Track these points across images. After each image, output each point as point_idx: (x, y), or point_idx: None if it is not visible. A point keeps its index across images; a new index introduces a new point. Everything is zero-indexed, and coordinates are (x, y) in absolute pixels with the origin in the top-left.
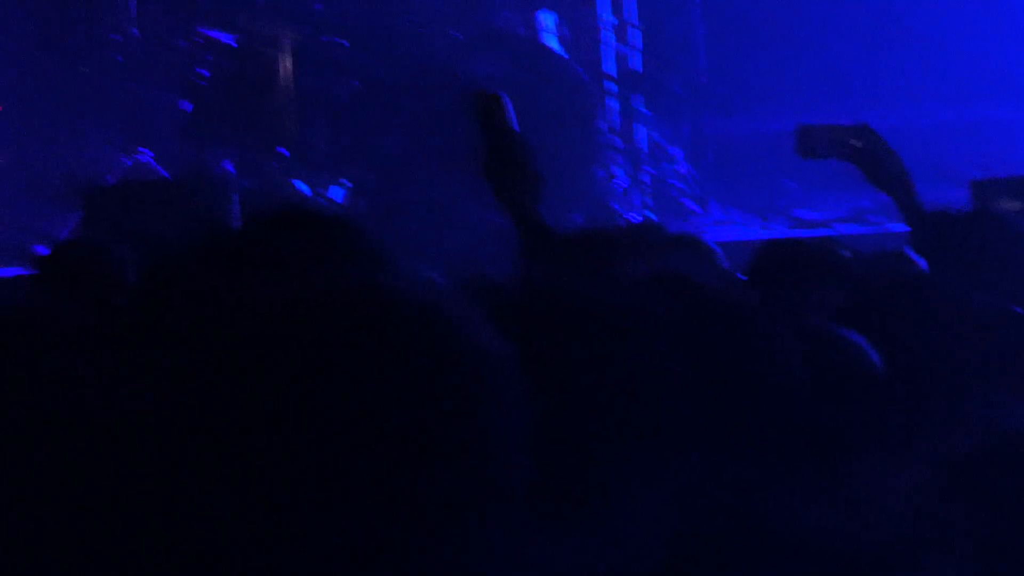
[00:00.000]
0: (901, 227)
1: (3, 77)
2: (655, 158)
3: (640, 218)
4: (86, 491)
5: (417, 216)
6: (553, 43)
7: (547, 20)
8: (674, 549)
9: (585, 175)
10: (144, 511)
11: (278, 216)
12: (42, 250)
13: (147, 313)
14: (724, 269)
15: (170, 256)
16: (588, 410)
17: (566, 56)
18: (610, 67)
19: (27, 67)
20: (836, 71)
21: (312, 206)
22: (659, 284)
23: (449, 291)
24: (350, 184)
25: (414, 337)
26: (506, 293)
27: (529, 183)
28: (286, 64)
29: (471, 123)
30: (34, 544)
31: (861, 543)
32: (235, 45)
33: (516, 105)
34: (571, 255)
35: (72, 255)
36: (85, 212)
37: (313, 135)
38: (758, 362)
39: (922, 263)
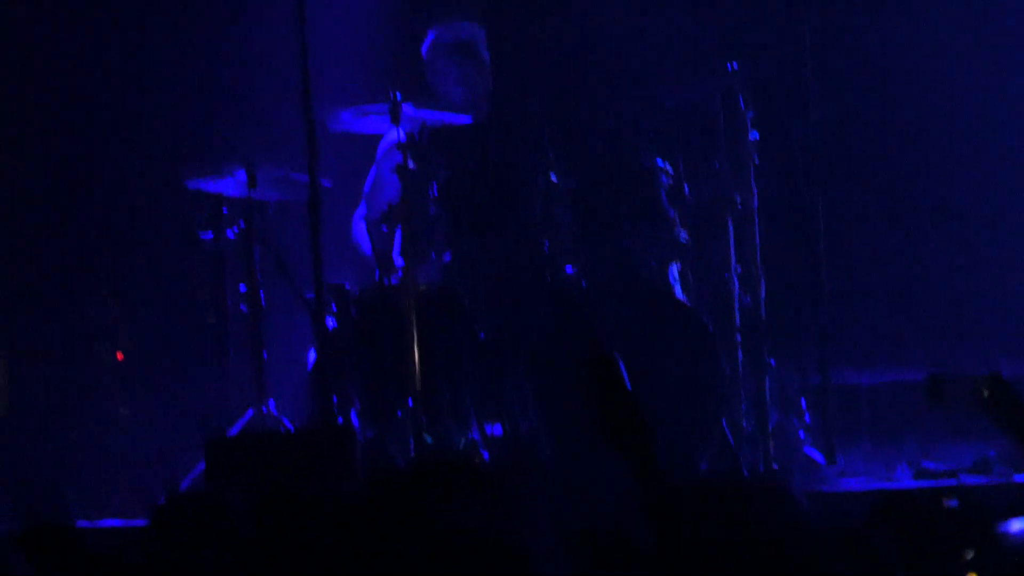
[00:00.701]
0: None
1: (130, 326)
2: (780, 408)
3: (764, 468)
4: None
5: (545, 470)
6: (678, 292)
7: (672, 269)
8: None
9: (710, 425)
10: None
11: (404, 469)
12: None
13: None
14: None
15: (293, 508)
16: None
17: (689, 304)
18: (735, 316)
19: (154, 319)
20: (965, 320)
21: (438, 457)
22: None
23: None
24: (476, 435)
25: None
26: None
27: (643, 439)
28: (412, 313)
29: (584, 382)
30: None
31: None
32: (359, 294)
33: (641, 353)
34: (692, 507)
35: (189, 506)
36: (207, 462)
37: (439, 385)
38: None
39: None
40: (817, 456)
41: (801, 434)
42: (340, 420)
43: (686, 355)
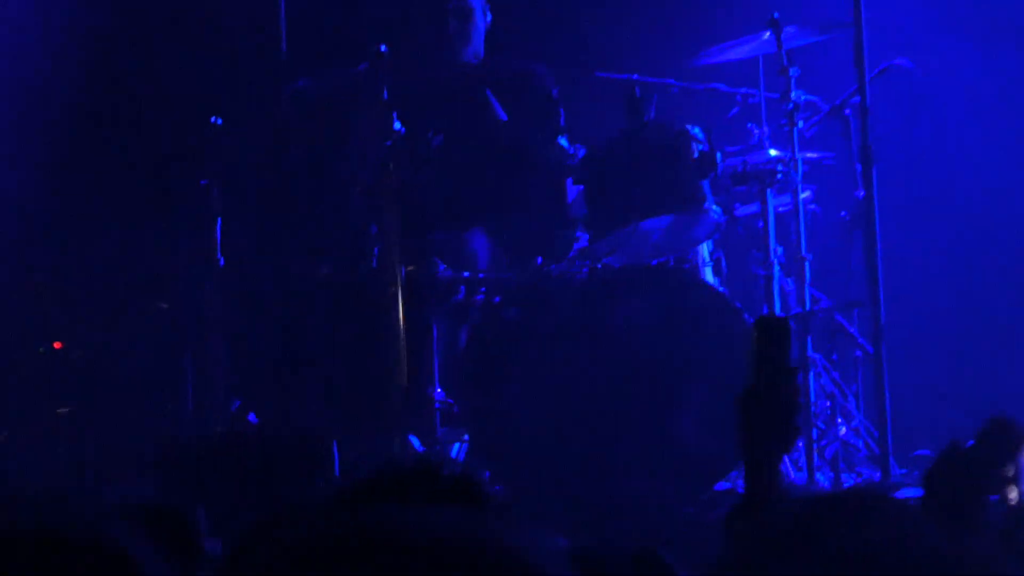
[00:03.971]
0: None
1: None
2: (832, 416)
3: (811, 477)
4: None
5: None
6: (709, 275)
7: (702, 249)
8: None
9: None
10: None
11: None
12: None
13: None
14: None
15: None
16: None
17: (721, 290)
18: (774, 304)
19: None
20: None
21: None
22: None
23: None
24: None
25: None
26: None
27: (784, 431)
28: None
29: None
30: None
31: None
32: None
33: (666, 343)
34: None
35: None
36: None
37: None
38: None
39: None
40: (869, 467)
41: (851, 439)
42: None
43: (717, 349)
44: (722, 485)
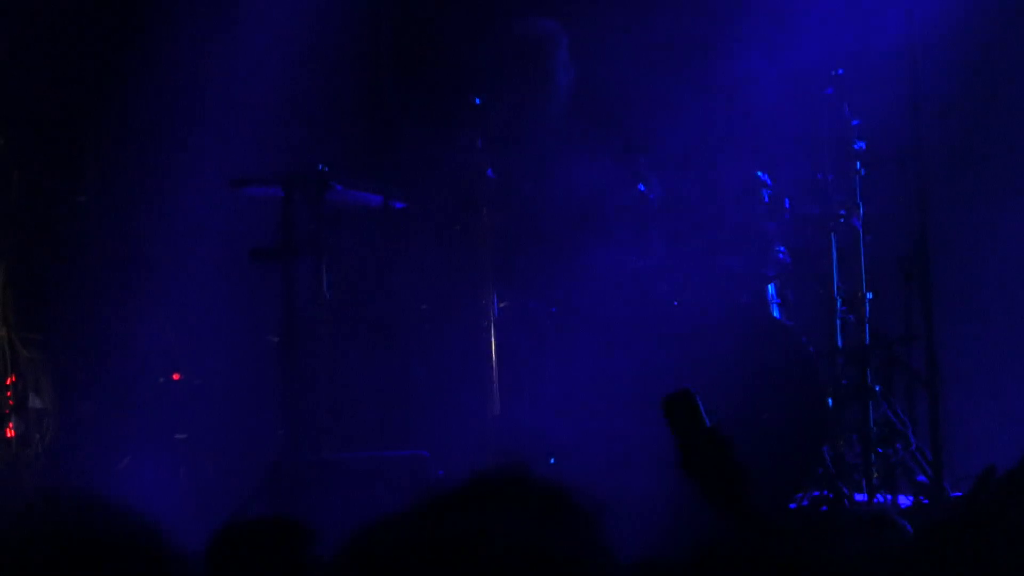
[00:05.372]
0: None
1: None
2: (885, 435)
3: (871, 499)
4: None
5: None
6: (776, 312)
7: (771, 288)
8: None
9: (814, 454)
10: None
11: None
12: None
13: None
14: None
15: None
16: None
17: (789, 325)
18: (837, 337)
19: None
20: None
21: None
22: None
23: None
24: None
25: None
26: None
27: (730, 477)
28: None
29: (665, 426)
30: None
31: None
32: None
33: (738, 378)
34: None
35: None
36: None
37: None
38: None
39: None
40: (922, 485)
41: (908, 463)
42: None
43: (785, 379)
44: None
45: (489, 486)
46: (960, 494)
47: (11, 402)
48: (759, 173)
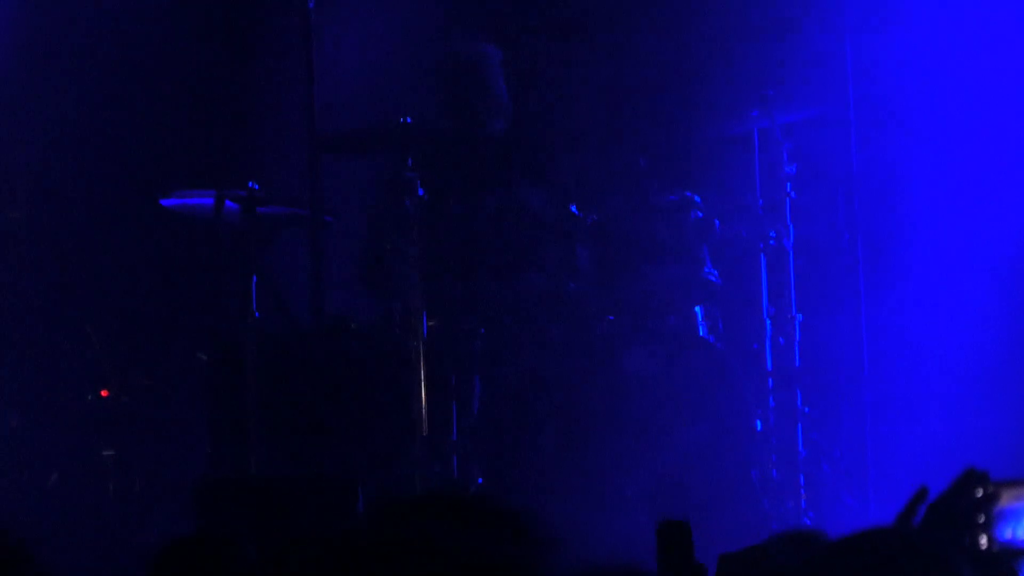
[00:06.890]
0: None
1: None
2: (813, 458)
3: (796, 521)
4: None
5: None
6: (705, 333)
7: (699, 310)
8: None
9: (740, 477)
10: None
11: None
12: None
13: None
14: None
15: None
16: None
17: (718, 347)
18: (766, 360)
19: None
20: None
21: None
22: None
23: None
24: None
25: None
26: None
27: None
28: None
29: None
30: None
31: None
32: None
33: (666, 399)
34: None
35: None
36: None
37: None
38: None
39: None
40: (851, 506)
41: (836, 484)
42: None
43: (714, 402)
44: None
45: (419, 504)
46: (888, 516)
47: None
48: (688, 193)
